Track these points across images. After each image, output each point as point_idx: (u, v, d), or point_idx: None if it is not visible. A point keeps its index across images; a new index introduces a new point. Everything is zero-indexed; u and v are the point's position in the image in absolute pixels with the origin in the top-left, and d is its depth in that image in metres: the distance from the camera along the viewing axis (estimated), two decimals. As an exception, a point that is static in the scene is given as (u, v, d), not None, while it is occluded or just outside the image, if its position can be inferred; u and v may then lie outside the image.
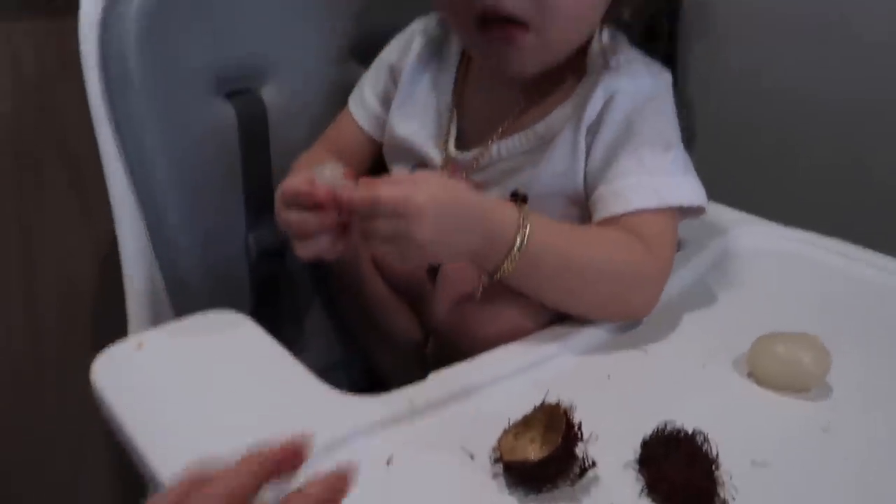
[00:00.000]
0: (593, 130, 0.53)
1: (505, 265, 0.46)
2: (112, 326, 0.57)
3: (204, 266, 0.60)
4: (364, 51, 0.68)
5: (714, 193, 0.55)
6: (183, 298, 0.60)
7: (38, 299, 0.83)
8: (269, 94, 0.64)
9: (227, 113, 0.61)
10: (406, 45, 0.63)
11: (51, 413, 0.83)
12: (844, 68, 1.19)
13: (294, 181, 0.47)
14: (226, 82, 0.62)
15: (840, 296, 0.59)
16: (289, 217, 0.47)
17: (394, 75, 0.63)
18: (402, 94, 0.61)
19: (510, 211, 0.46)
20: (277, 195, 0.49)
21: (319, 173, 0.46)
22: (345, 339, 0.71)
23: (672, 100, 0.55)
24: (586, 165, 0.53)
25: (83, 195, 0.83)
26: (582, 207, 0.54)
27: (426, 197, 0.42)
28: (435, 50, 0.62)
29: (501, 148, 0.56)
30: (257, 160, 0.63)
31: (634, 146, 0.51)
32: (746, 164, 1.36)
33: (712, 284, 0.58)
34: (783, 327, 0.49)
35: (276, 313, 0.66)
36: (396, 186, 0.43)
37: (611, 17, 0.54)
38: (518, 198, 0.55)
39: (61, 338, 0.83)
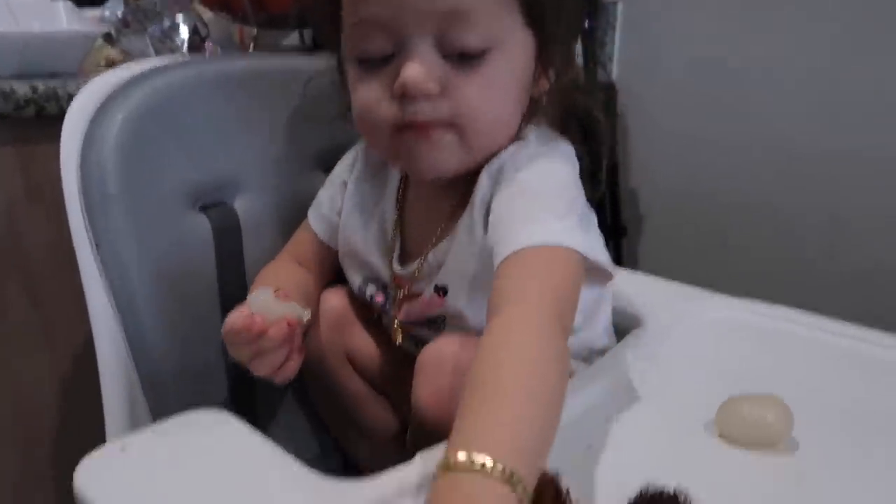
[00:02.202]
0: (487, 203, 0.53)
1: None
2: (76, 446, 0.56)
3: (181, 370, 0.61)
4: (330, 160, 0.72)
5: (665, 270, 0.55)
6: (160, 401, 0.60)
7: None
8: (242, 205, 0.68)
9: (202, 225, 0.64)
10: (353, 163, 0.66)
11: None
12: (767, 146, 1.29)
13: (231, 320, 0.52)
14: (200, 197, 0.65)
15: (793, 358, 0.62)
16: (237, 352, 0.54)
17: (346, 190, 0.66)
18: (348, 209, 0.64)
19: None
20: (223, 333, 0.54)
21: (253, 302, 0.53)
22: (320, 433, 0.71)
23: (567, 161, 0.55)
24: (486, 234, 0.53)
25: (45, 316, 0.84)
26: None
27: None
28: (379, 167, 0.65)
29: (436, 254, 0.59)
30: (232, 267, 0.66)
31: (526, 197, 0.51)
32: (690, 242, 1.43)
33: (674, 357, 0.61)
34: (745, 391, 0.51)
35: (251, 412, 0.66)
36: None
37: (529, 120, 0.56)
38: (439, 290, 0.58)
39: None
